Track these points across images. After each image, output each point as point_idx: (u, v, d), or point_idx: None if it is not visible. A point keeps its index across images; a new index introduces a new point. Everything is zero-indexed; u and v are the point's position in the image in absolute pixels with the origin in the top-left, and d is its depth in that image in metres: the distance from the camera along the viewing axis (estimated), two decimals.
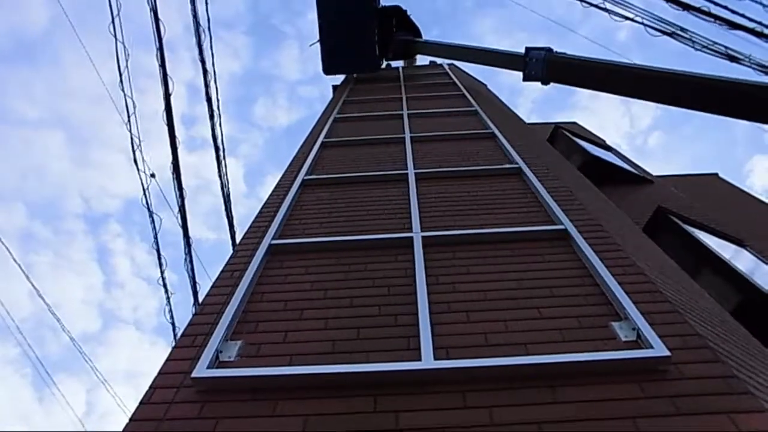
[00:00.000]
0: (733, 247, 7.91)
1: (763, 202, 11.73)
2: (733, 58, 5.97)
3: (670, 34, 6.36)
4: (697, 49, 6.08)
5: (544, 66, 7.81)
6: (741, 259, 7.38)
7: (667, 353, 2.44)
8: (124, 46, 7.51)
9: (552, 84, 8.04)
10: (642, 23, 6.65)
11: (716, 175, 13.71)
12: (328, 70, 12.35)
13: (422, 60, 14.17)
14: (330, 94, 11.56)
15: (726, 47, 6.12)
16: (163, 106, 8.05)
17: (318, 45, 12.09)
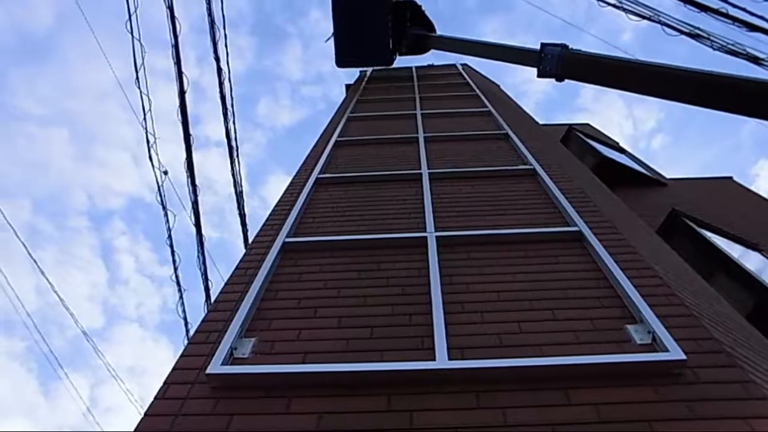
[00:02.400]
0: (749, 251, 7.84)
1: None
2: (754, 60, 5.91)
3: (688, 34, 6.30)
4: (715, 49, 6.02)
5: (559, 62, 7.76)
6: (756, 264, 7.31)
7: (683, 357, 2.42)
8: (141, 44, 7.56)
9: (566, 81, 7.97)
10: (659, 22, 6.59)
11: (731, 178, 13.58)
12: (341, 63, 12.34)
13: (433, 58, 14.12)
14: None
15: (744, 47, 6.05)
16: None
17: (330, 40, 12.09)
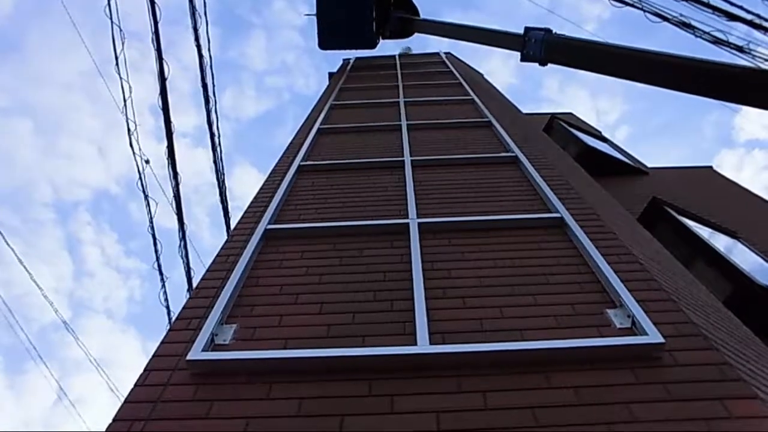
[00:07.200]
0: (726, 238, 7.95)
1: (756, 196, 11.77)
2: (737, 48, 5.94)
3: (671, 20, 6.32)
4: (697, 36, 6.05)
5: (542, 47, 7.70)
6: (733, 251, 7.42)
7: (662, 340, 2.45)
8: (120, 29, 7.44)
9: (549, 65, 7.93)
10: (641, 8, 6.61)
11: (710, 168, 13.74)
12: (324, 45, 12.28)
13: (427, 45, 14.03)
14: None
15: (727, 35, 6.06)
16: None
17: (312, 15, 12.00)
